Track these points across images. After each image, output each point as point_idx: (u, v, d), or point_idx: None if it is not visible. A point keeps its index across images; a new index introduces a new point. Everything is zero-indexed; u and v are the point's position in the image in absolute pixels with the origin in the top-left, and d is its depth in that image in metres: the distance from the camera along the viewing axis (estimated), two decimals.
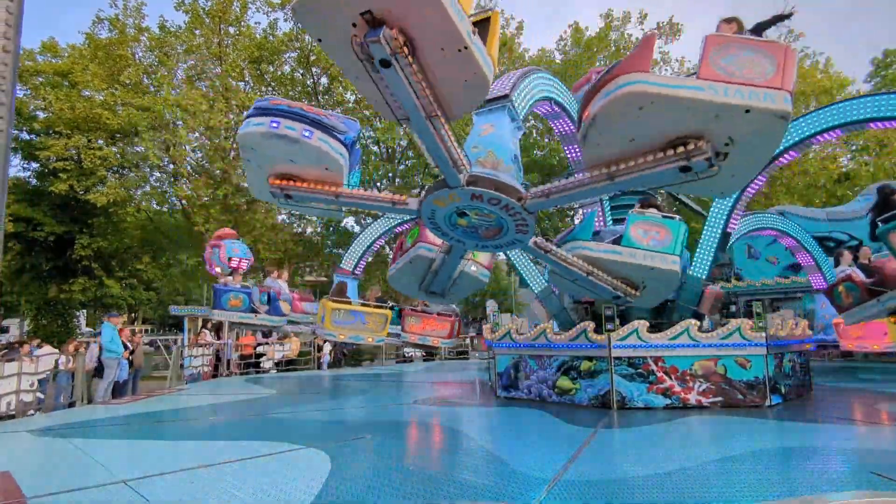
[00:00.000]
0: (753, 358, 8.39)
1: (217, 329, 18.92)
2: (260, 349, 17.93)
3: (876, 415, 7.79)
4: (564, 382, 9.17)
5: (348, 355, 21.34)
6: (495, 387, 10.50)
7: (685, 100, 4.13)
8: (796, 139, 9.22)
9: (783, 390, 8.76)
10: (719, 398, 8.32)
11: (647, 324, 8.75)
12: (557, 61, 28.18)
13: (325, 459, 5.44)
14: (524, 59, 27.99)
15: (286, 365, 18.60)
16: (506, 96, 6.37)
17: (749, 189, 9.67)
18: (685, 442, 6.41)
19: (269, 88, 26.47)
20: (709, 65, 4.28)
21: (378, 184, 27.36)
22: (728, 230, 9.73)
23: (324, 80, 25.75)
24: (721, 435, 6.73)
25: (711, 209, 9.94)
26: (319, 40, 3.65)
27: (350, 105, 25.83)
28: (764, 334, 8.47)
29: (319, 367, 19.40)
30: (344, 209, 6.43)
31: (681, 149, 4.42)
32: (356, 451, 6.07)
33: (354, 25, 3.41)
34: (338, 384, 14.23)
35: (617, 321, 8.85)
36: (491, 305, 26.25)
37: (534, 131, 28.84)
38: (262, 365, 17.64)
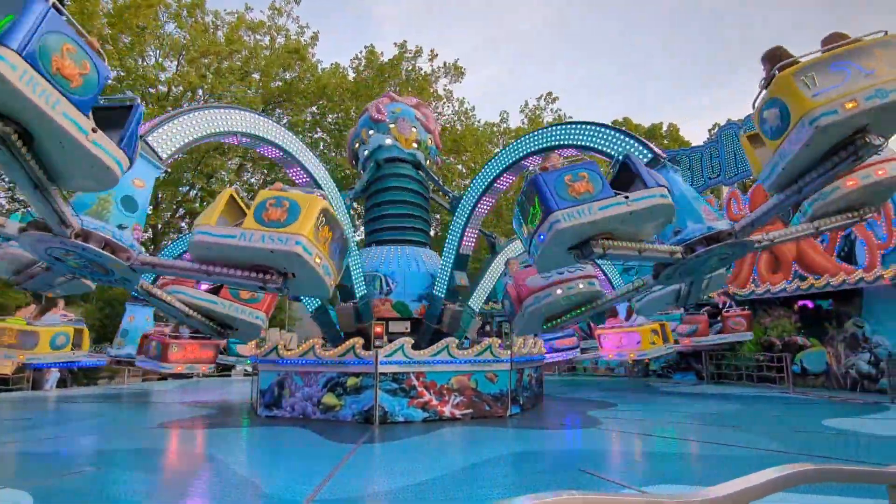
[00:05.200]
0: (500, 373, 9.43)
1: None
2: None
3: (587, 420, 9.37)
4: (330, 399, 9.08)
5: (78, 372, 17.97)
6: (257, 405, 9.89)
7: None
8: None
9: (521, 401, 10.01)
10: (470, 410, 9.12)
11: (412, 341, 9.21)
12: (350, 79, 28.55)
13: (27, 502, 4.43)
14: (317, 70, 27.67)
15: None
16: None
17: (479, 210, 10.73)
18: (438, 453, 6.84)
19: None
20: None
21: None
22: (462, 251, 10.64)
23: None
24: (469, 444, 7.35)
25: (449, 231, 10.98)
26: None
27: (110, 82, 22.31)
28: (510, 352, 9.61)
29: (36, 388, 15.90)
30: None
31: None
32: (71, 488, 5.07)
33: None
34: (62, 408, 11.85)
35: (385, 338, 9.14)
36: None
37: (321, 144, 28.60)
38: None
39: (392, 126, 13.27)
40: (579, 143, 8.39)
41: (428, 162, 14.02)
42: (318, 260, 5.67)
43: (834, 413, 9.61)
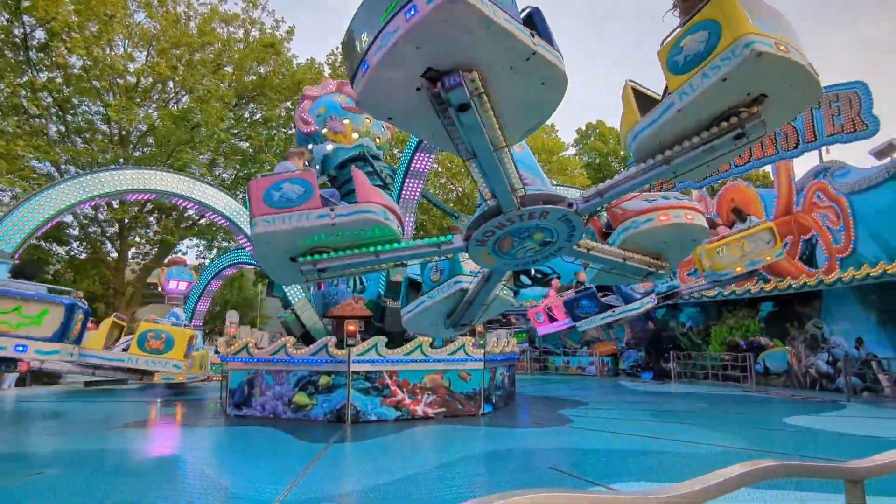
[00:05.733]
0: (473, 372, 9.46)
1: None
2: None
3: (558, 419, 9.48)
4: (301, 398, 8.98)
5: (39, 371, 17.35)
6: (226, 405, 9.73)
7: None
8: None
9: (494, 400, 10.06)
10: (443, 409, 9.13)
11: (386, 339, 9.17)
12: (326, 75, 28.25)
13: None
14: (292, 65, 27.30)
15: None
16: None
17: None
18: (410, 452, 6.84)
19: None
20: None
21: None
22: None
23: (39, 33, 21.02)
24: (441, 443, 7.37)
25: None
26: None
27: (75, 71, 21.61)
28: (483, 351, 9.65)
29: None
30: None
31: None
32: (31, 491, 4.91)
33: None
34: (22, 407, 11.46)
35: (358, 336, 9.08)
36: (231, 317, 24.35)
37: (296, 139, 28.23)
38: None
39: (325, 131, 12.66)
40: None
41: (378, 140, 13.37)
42: (184, 368, 10.67)
43: (795, 411, 9.93)
